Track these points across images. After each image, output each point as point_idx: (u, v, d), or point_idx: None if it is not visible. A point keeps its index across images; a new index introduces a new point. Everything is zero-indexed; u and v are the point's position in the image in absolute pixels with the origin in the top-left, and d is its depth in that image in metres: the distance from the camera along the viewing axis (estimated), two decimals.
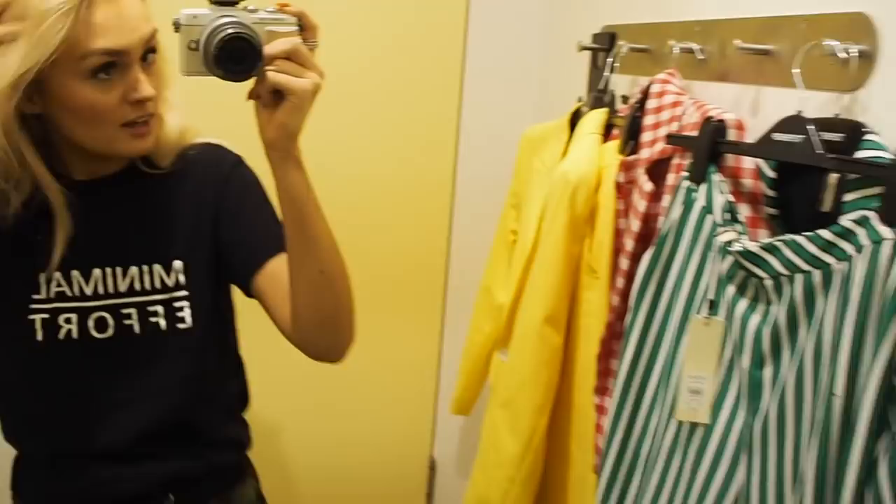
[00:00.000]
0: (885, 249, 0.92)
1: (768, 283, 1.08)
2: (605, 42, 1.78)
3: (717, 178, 1.21)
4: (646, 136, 1.41)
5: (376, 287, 2.25)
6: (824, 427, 0.97)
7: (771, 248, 1.07)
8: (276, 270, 1.29)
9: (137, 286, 1.32)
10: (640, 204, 1.38)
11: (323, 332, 1.27)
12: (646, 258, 1.32)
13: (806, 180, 1.08)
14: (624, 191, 1.47)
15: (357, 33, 2.17)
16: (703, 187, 1.23)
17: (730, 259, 1.15)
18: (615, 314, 1.44)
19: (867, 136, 1.00)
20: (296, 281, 1.23)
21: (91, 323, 1.31)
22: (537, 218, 1.69)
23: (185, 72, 1.14)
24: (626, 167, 1.46)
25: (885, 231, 0.93)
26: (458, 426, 2.47)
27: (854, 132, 1.03)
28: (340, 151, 2.21)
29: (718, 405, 1.18)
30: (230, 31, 1.09)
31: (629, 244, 1.40)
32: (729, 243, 1.15)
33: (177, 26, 1.12)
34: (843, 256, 0.98)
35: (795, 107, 1.09)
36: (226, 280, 1.40)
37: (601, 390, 1.48)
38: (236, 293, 1.41)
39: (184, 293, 1.34)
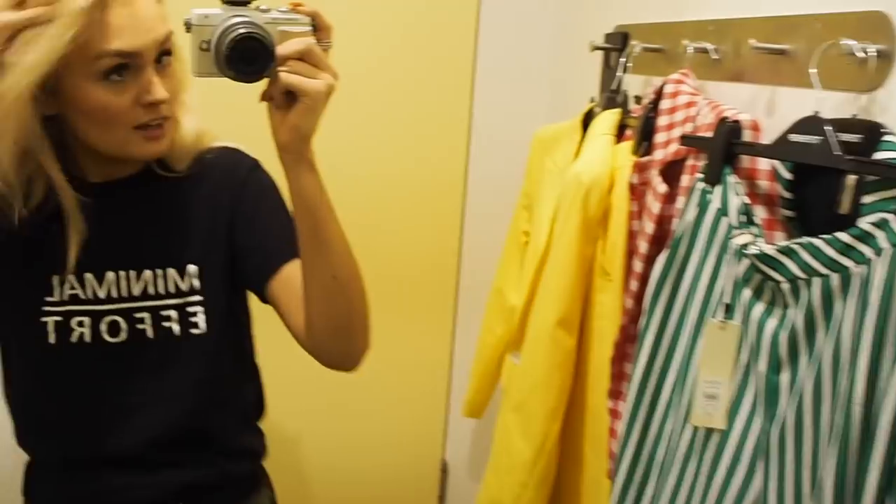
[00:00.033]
0: None
1: (785, 286, 1.07)
2: (617, 42, 1.76)
3: (732, 179, 1.20)
4: (659, 137, 1.40)
5: (387, 288, 2.23)
6: (844, 433, 0.96)
7: (788, 252, 1.06)
8: (291, 276, 1.27)
9: (151, 290, 1.31)
10: (654, 206, 1.36)
11: (336, 340, 1.25)
12: (660, 261, 1.30)
13: (823, 182, 1.07)
14: (637, 192, 1.46)
15: (367, 34, 2.16)
16: (718, 189, 1.21)
17: (746, 262, 1.13)
18: (629, 317, 1.42)
19: (886, 137, 0.99)
20: (309, 286, 1.22)
21: (104, 327, 1.30)
22: (549, 219, 1.68)
23: (197, 73, 1.12)
24: (640, 168, 1.45)
25: None
26: (470, 429, 2.46)
27: (872, 133, 1.01)
28: (351, 152, 2.20)
29: (734, 410, 1.16)
30: (242, 30, 1.08)
31: (643, 246, 1.39)
32: (745, 246, 1.13)
33: (188, 26, 1.11)
34: (861, 260, 0.96)
35: (812, 107, 1.08)
36: (241, 285, 1.38)
37: (615, 394, 1.47)
38: (252, 299, 1.40)
39: (198, 298, 1.33)
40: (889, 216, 0.94)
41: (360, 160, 2.23)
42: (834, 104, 1.08)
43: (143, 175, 1.32)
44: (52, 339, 1.29)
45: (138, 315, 1.31)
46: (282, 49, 1.08)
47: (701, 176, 1.24)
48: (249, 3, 1.12)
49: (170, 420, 1.34)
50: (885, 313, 0.92)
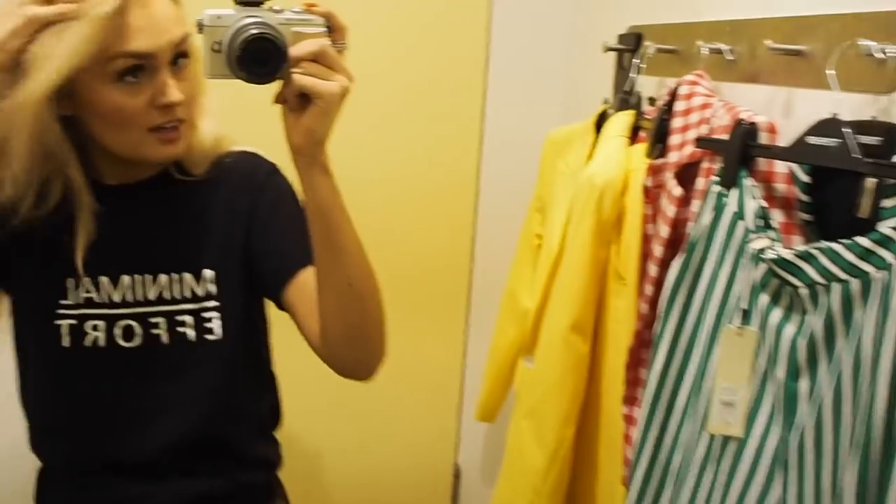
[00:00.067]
0: None
1: (804, 292, 1.05)
2: (630, 43, 1.75)
3: (748, 182, 1.18)
4: (674, 140, 1.38)
5: (399, 290, 2.20)
6: (865, 441, 0.94)
7: (806, 256, 1.04)
8: (308, 282, 1.23)
9: (167, 295, 1.30)
10: (669, 209, 1.35)
11: (351, 348, 1.22)
12: (675, 265, 1.28)
13: (842, 185, 1.05)
14: (652, 195, 1.44)
15: (379, 34, 2.15)
16: (734, 192, 1.19)
17: (763, 267, 1.12)
18: (644, 322, 1.40)
19: None
20: (323, 293, 1.19)
21: (118, 331, 1.29)
22: (562, 222, 1.67)
23: (209, 74, 1.10)
24: (654, 171, 1.43)
25: None
26: (482, 432, 2.45)
27: (892, 135, 1.00)
28: (362, 153, 2.19)
29: (752, 418, 1.14)
30: (254, 31, 1.06)
31: (658, 250, 1.37)
32: (762, 251, 1.12)
33: (200, 27, 1.09)
34: (882, 265, 0.94)
35: (829, 109, 1.06)
36: (258, 291, 1.36)
37: (630, 400, 1.45)
38: (271, 307, 1.38)
39: (214, 303, 1.31)
40: None
41: (370, 161, 2.21)
42: (852, 106, 1.06)
43: (160, 178, 1.31)
44: (66, 342, 1.28)
45: (153, 320, 1.30)
46: (295, 50, 1.06)
47: (716, 179, 1.23)
48: (262, 3, 1.10)
49: (184, 427, 1.33)
50: None
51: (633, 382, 1.44)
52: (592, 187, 1.51)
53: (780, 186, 1.18)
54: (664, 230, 1.36)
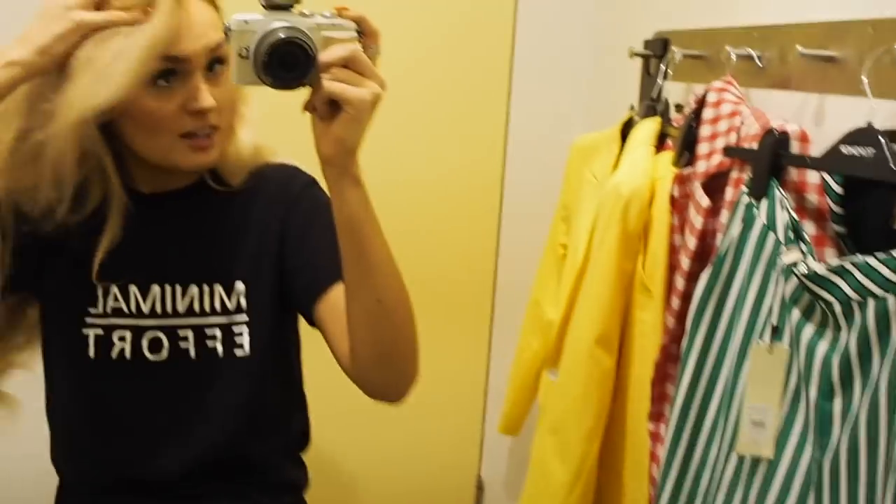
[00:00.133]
0: None
1: (837, 308, 1.01)
2: (657, 48, 1.72)
3: (779, 193, 1.14)
4: (702, 148, 1.35)
5: (422, 299, 2.15)
6: None
7: (840, 271, 1.00)
8: (340, 298, 1.17)
9: (196, 307, 1.28)
10: (697, 220, 1.31)
11: (381, 368, 1.17)
12: (703, 278, 1.25)
13: (876, 196, 1.02)
14: (679, 205, 1.41)
15: (403, 38, 2.12)
16: (764, 203, 1.15)
17: (794, 281, 1.08)
18: (670, 336, 1.37)
19: None
20: (352, 310, 1.14)
21: (145, 343, 1.27)
22: (588, 232, 1.63)
23: (236, 80, 1.06)
24: (681, 181, 1.40)
25: None
26: (506, 445, 2.42)
27: None
28: (385, 158, 2.15)
29: (783, 439, 1.10)
30: (282, 35, 1.02)
31: (685, 262, 1.34)
32: (794, 264, 1.08)
33: (227, 32, 1.05)
34: None
35: (863, 117, 1.02)
36: (289, 307, 1.32)
37: (656, 416, 1.41)
38: (302, 324, 1.35)
39: (244, 318, 1.29)
40: None
41: (394, 166, 2.20)
42: (887, 114, 1.03)
43: (195, 187, 1.29)
44: (91, 353, 1.26)
45: (182, 333, 1.28)
46: (325, 55, 1.01)
47: (746, 189, 1.19)
48: (292, 7, 1.06)
49: (207, 444, 1.30)
50: None
51: (660, 398, 1.41)
52: (618, 197, 1.47)
53: (812, 197, 1.14)
54: (692, 242, 1.32)
